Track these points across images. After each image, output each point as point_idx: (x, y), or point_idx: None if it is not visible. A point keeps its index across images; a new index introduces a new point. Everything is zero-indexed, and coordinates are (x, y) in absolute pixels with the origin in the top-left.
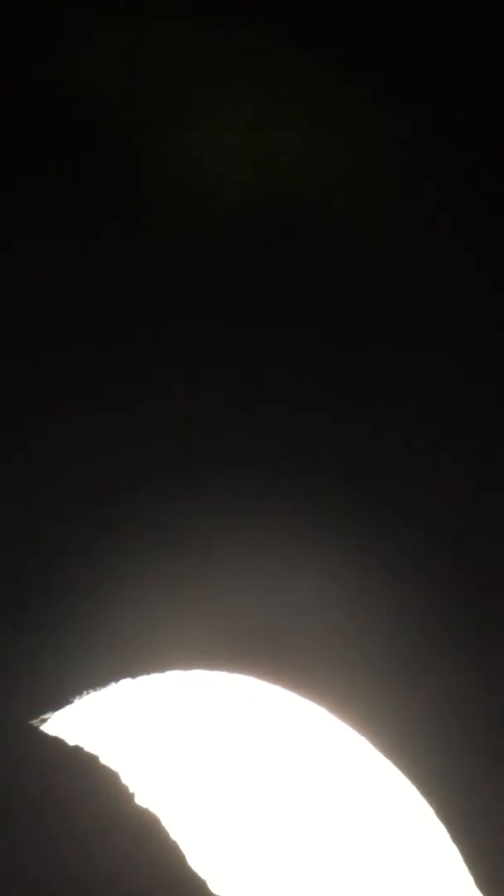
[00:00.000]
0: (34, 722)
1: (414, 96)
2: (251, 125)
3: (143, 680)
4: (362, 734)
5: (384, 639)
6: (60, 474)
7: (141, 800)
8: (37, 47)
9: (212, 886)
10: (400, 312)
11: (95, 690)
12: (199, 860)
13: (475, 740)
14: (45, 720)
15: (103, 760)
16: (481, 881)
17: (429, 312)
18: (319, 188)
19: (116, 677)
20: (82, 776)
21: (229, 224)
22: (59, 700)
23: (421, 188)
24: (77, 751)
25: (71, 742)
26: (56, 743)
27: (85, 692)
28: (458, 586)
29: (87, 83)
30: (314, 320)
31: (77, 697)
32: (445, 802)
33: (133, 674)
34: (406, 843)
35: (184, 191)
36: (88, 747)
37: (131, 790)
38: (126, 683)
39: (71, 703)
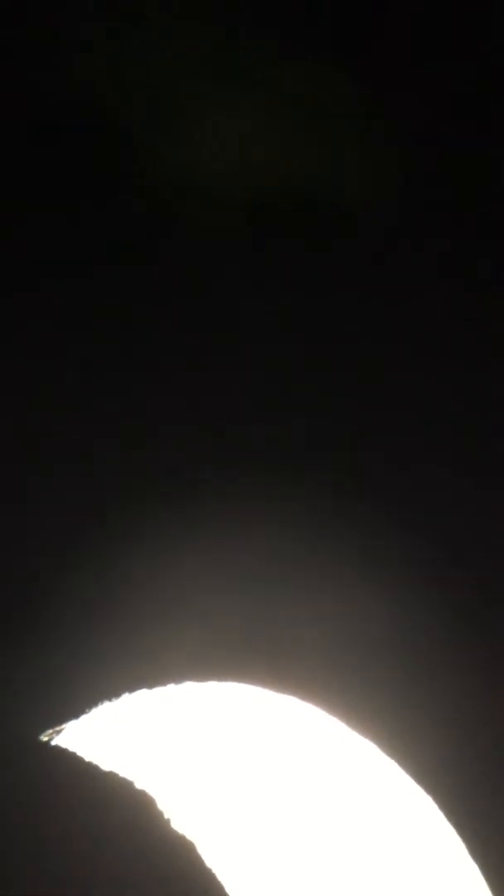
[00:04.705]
0: (46, 736)
1: (417, 96)
2: (252, 125)
3: (150, 692)
4: (368, 739)
5: (385, 642)
6: (63, 479)
7: (177, 825)
8: (37, 47)
9: None
10: (401, 313)
11: (109, 701)
12: (236, 886)
13: (478, 742)
14: (59, 731)
15: (139, 785)
16: (489, 878)
17: (430, 313)
18: (320, 188)
19: (130, 688)
20: (112, 799)
21: (229, 224)
22: (71, 712)
23: (422, 188)
24: (111, 776)
25: (90, 759)
26: (78, 762)
27: (96, 704)
28: (460, 588)
29: (88, 83)
30: (314, 320)
31: (90, 709)
32: (448, 803)
33: (147, 685)
34: (415, 846)
35: (184, 191)
36: (119, 769)
37: (167, 815)
38: (140, 694)
39: (84, 714)
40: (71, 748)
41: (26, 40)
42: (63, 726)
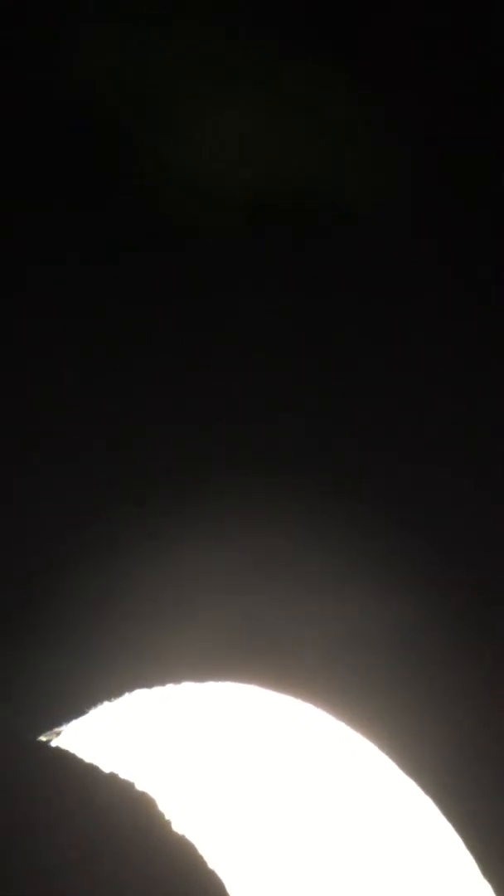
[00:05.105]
0: (46, 736)
1: (417, 96)
2: (252, 125)
3: (150, 692)
4: (368, 739)
5: (385, 642)
6: (62, 479)
7: (178, 827)
8: (36, 47)
9: None
10: (401, 313)
11: (109, 701)
12: (236, 887)
13: (478, 742)
14: (59, 731)
15: (139, 786)
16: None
17: (430, 313)
18: (320, 188)
19: (130, 688)
20: (112, 800)
21: (229, 224)
22: (71, 712)
23: (422, 188)
24: (112, 777)
25: (90, 760)
26: (79, 762)
27: (96, 704)
28: (460, 588)
29: (88, 83)
30: (314, 320)
31: (90, 709)
32: (448, 803)
33: (147, 685)
34: (415, 846)
35: (184, 191)
36: (120, 770)
37: (167, 817)
38: (140, 694)
39: (83, 714)
40: (71, 748)
41: (26, 40)
42: (63, 726)
